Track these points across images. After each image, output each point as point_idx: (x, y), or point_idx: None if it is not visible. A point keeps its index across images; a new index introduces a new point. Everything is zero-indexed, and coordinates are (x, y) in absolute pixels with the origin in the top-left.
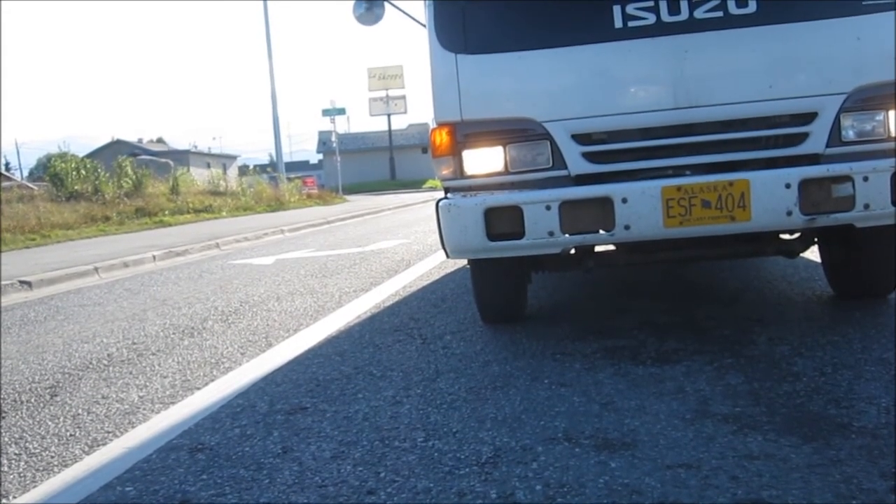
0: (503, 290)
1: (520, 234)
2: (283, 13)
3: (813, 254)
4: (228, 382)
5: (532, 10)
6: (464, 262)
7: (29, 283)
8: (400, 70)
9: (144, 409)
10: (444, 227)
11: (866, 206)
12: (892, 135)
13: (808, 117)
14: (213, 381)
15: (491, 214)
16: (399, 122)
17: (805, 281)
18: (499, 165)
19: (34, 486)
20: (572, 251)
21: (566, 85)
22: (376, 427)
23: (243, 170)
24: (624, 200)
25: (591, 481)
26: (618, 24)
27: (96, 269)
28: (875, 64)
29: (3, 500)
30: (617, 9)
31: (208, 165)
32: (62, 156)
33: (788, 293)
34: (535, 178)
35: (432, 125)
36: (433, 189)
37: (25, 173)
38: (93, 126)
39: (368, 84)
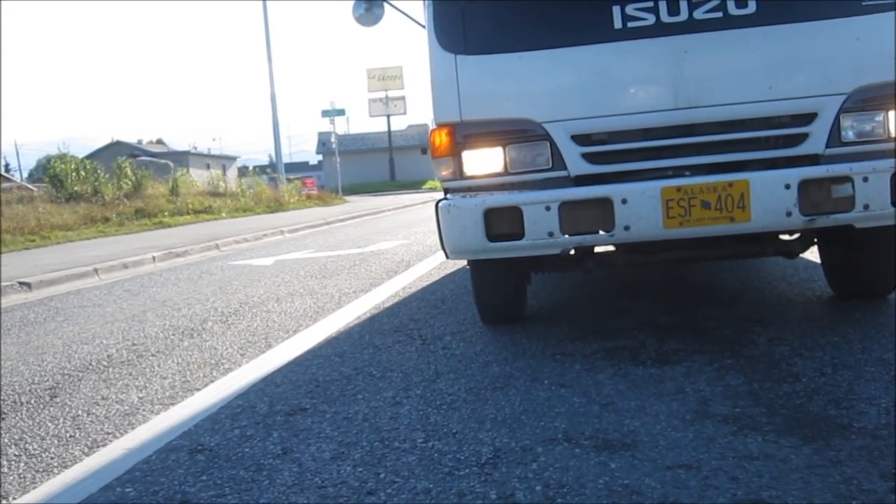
0: (503, 291)
1: (519, 235)
2: (282, 13)
3: (813, 254)
4: (228, 383)
5: (532, 11)
6: (463, 262)
7: (28, 285)
8: (399, 71)
9: (144, 410)
10: (444, 227)
11: (866, 207)
12: (892, 135)
13: (808, 118)
14: (212, 382)
15: (491, 215)
16: (399, 123)
17: (805, 281)
18: (498, 166)
19: (34, 487)
20: (572, 252)
21: (566, 85)
22: (376, 428)
23: (243, 171)
24: (624, 201)
25: (591, 482)
26: (617, 24)
27: (96, 271)
28: (875, 64)
29: (3, 501)
30: (616, 9)
31: (208, 166)
32: (62, 157)
33: (788, 293)
34: (535, 178)
35: (432, 126)
36: (433, 190)
37: (25, 174)
38: (92, 127)
39: (368, 85)
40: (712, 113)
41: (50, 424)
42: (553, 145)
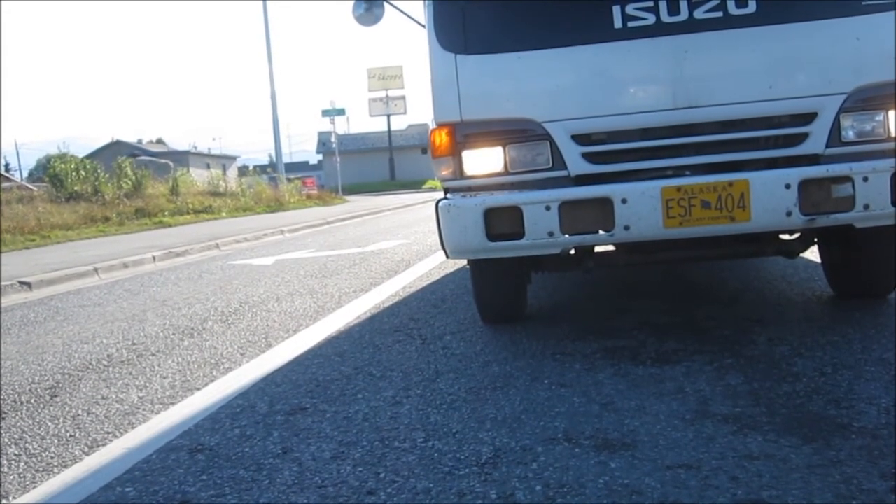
0: (503, 291)
1: (520, 235)
2: (282, 13)
3: (813, 254)
4: (228, 383)
5: (532, 11)
6: (463, 262)
7: (29, 284)
8: (399, 70)
9: (144, 409)
10: (444, 227)
11: (866, 207)
12: (892, 135)
13: (808, 117)
14: (212, 381)
15: (491, 215)
16: (399, 123)
17: (805, 281)
18: (498, 166)
19: (34, 487)
20: (572, 251)
21: (566, 85)
22: (376, 427)
23: (243, 170)
24: (624, 201)
25: (591, 482)
26: (617, 24)
27: (96, 270)
28: (875, 64)
29: (3, 501)
30: (616, 9)
31: (208, 166)
32: (62, 156)
33: (788, 293)
34: (535, 178)
35: (432, 126)
36: (433, 189)
37: (25, 174)
38: (92, 127)
39: (368, 84)
40: (712, 112)
41: (50, 424)
42: (553, 145)
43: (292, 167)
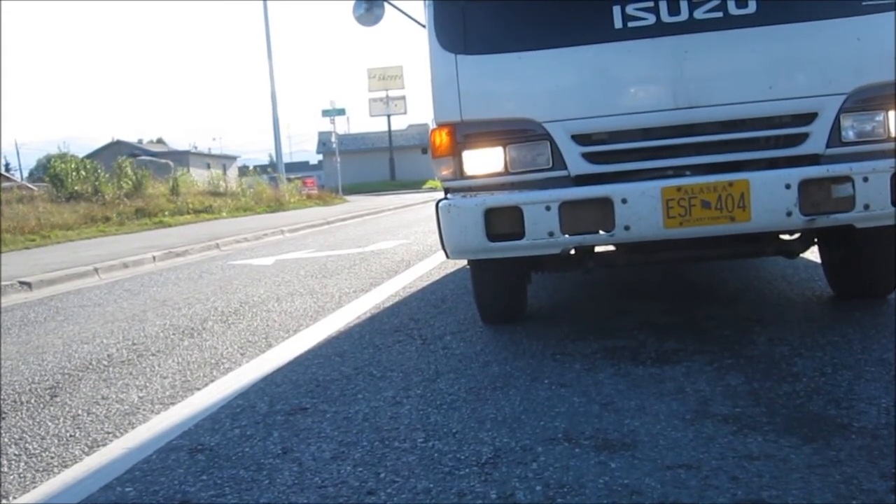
0: (503, 291)
1: (520, 235)
2: (283, 13)
3: (813, 254)
4: (228, 383)
5: (532, 11)
6: (464, 262)
7: (29, 284)
8: (400, 71)
9: (144, 409)
10: (444, 227)
11: (866, 207)
12: (892, 135)
13: (808, 118)
14: (212, 381)
15: (491, 215)
16: (399, 123)
17: (805, 281)
18: (499, 166)
19: (34, 487)
20: (572, 251)
21: (566, 85)
22: (376, 428)
23: (243, 170)
24: (624, 201)
25: (591, 482)
26: (618, 24)
27: (96, 270)
28: (875, 64)
29: (3, 501)
30: (617, 9)
31: (208, 166)
32: (62, 156)
33: (788, 293)
34: (535, 178)
35: (432, 126)
36: (433, 190)
37: (25, 174)
38: (93, 127)
39: (368, 85)
40: (712, 113)
41: (50, 424)
42: (553, 145)
43: (292, 167)
